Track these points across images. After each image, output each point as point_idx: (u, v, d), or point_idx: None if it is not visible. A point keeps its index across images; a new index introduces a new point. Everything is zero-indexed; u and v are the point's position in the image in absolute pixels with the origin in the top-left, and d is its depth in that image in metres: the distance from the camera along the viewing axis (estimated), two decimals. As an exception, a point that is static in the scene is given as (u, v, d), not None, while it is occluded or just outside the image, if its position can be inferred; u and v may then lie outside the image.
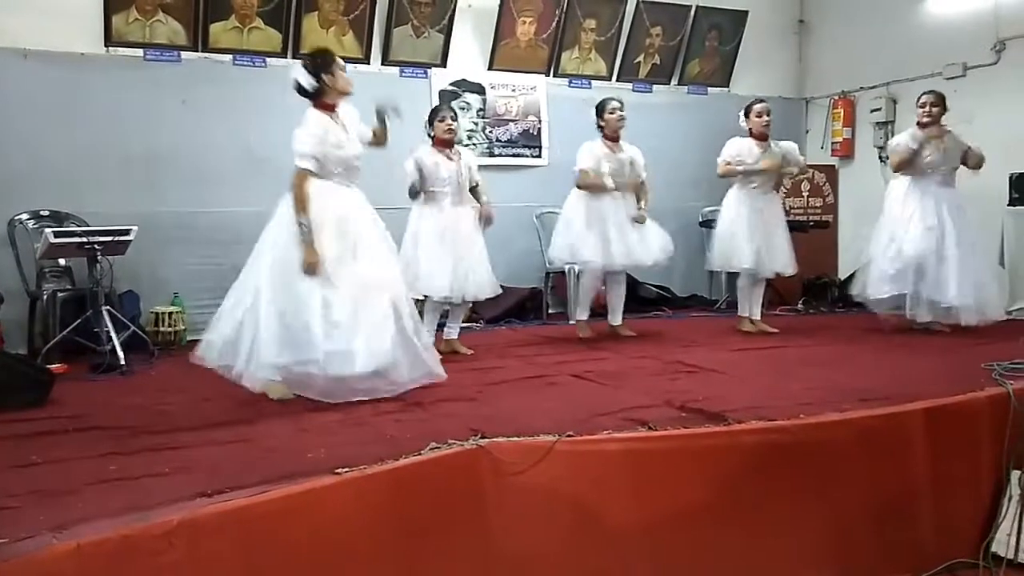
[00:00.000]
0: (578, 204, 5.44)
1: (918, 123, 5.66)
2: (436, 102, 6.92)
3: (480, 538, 2.62)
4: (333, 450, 2.74)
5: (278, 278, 3.66)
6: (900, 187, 5.65)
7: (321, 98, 3.92)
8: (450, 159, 4.99)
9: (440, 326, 5.15)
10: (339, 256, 3.69)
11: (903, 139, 5.66)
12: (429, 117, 5.13)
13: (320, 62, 3.93)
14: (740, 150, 5.72)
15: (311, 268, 3.61)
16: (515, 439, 2.79)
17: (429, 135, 5.07)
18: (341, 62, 3.99)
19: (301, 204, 3.72)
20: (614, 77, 7.67)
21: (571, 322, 5.97)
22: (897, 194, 5.65)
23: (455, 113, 5.23)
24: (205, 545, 2.16)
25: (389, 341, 3.63)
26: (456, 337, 5.15)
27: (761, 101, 5.86)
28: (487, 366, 4.58)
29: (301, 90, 3.92)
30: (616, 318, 5.71)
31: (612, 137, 5.47)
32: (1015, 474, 3.25)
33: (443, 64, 7.02)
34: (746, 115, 5.78)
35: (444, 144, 5.02)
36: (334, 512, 2.40)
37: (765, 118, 5.72)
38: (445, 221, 4.94)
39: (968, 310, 5.25)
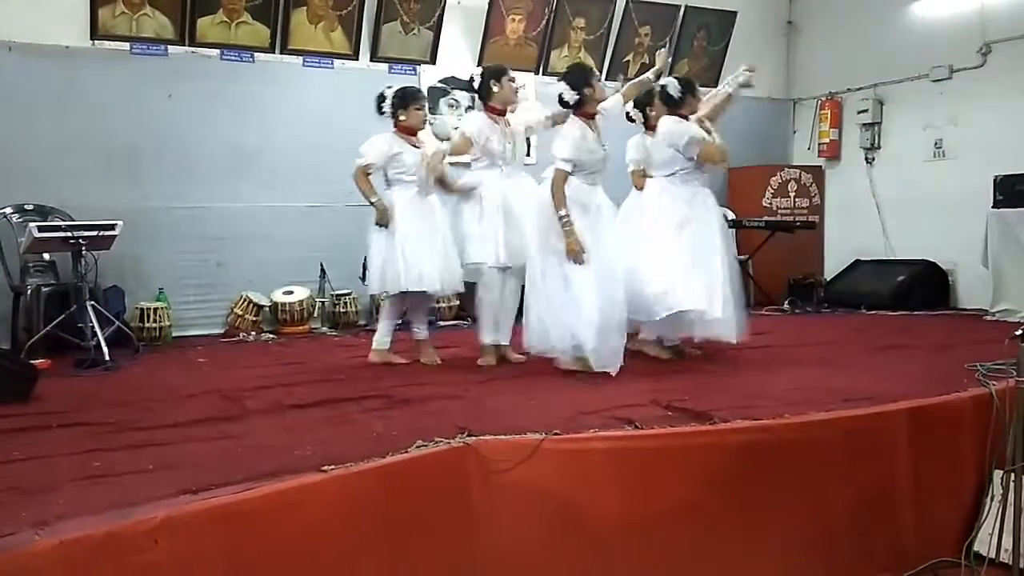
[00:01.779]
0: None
1: (684, 115, 4.51)
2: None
3: (466, 536, 2.62)
4: (319, 447, 2.73)
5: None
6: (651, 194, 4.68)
7: (582, 108, 4.23)
8: (416, 146, 4.59)
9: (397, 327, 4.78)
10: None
11: (696, 131, 4.45)
12: (404, 103, 4.57)
13: (582, 77, 4.26)
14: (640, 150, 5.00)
15: (577, 255, 4.04)
16: (502, 437, 2.79)
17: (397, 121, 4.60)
18: (598, 74, 4.38)
19: (560, 200, 4.09)
20: (603, 76, 7.67)
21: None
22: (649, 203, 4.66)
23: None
24: (189, 543, 2.15)
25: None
26: (426, 337, 4.81)
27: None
28: (474, 364, 4.58)
29: (563, 103, 4.25)
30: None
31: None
32: (997, 474, 3.27)
33: (432, 61, 7.02)
34: (650, 105, 4.84)
35: (411, 132, 4.63)
36: (320, 510, 2.39)
37: None
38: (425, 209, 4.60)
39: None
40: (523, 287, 4.44)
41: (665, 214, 4.48)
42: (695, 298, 4.30)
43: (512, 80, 4.64)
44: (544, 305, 4.19)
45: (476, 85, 4.65)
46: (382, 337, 4.69)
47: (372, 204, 4.47)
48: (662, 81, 4.64)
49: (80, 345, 4.75)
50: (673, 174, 4.51)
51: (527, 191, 4.52)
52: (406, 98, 4.58)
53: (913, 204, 7.44)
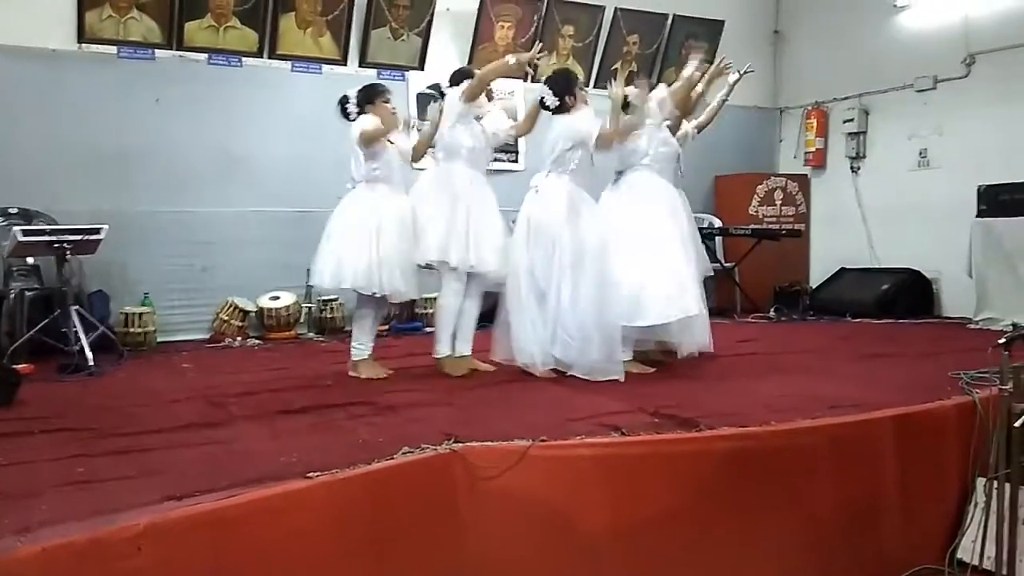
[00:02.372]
0: None
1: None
2: (414, 104, 6.93)
3: (453, 543, 2.61)
4: (305, 454, 2.72)
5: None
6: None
7: (559, 113, 4.29)
8: (391, 142, 4.43)
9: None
10: None
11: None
12: (369, 98, 4.41)
13: (566, 85, 4.30)
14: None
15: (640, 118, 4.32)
16: (488, 444, 2.78)
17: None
18: (583, 84, 4.42)
19: (614, 122, 4.20)
20: (592, 83, 7.70)
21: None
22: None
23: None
24: (174, 549, 2.13)
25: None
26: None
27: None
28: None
29: (543, 106, 4.33)
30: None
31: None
32: (980, 481, 3.30)
33: (421, 67, 7.02)
34: None
35: None
36: (306, 517, 2.38)
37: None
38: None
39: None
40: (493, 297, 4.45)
41: (657, 208, 4.38)
42: (696, 302, 4.27)
43: None
44: (531, 321, 4.18)
45: (444, 92, 4.51)
46: (368, 343, 4.45)
47: (431, 120, 4.38)
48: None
49: (64, 350, 4.72)
50: (637, 168, 4.47)
51: (491, 196, 4.44)
52: (372, 93, 4.38)
53: (898, 213, 7.49)
